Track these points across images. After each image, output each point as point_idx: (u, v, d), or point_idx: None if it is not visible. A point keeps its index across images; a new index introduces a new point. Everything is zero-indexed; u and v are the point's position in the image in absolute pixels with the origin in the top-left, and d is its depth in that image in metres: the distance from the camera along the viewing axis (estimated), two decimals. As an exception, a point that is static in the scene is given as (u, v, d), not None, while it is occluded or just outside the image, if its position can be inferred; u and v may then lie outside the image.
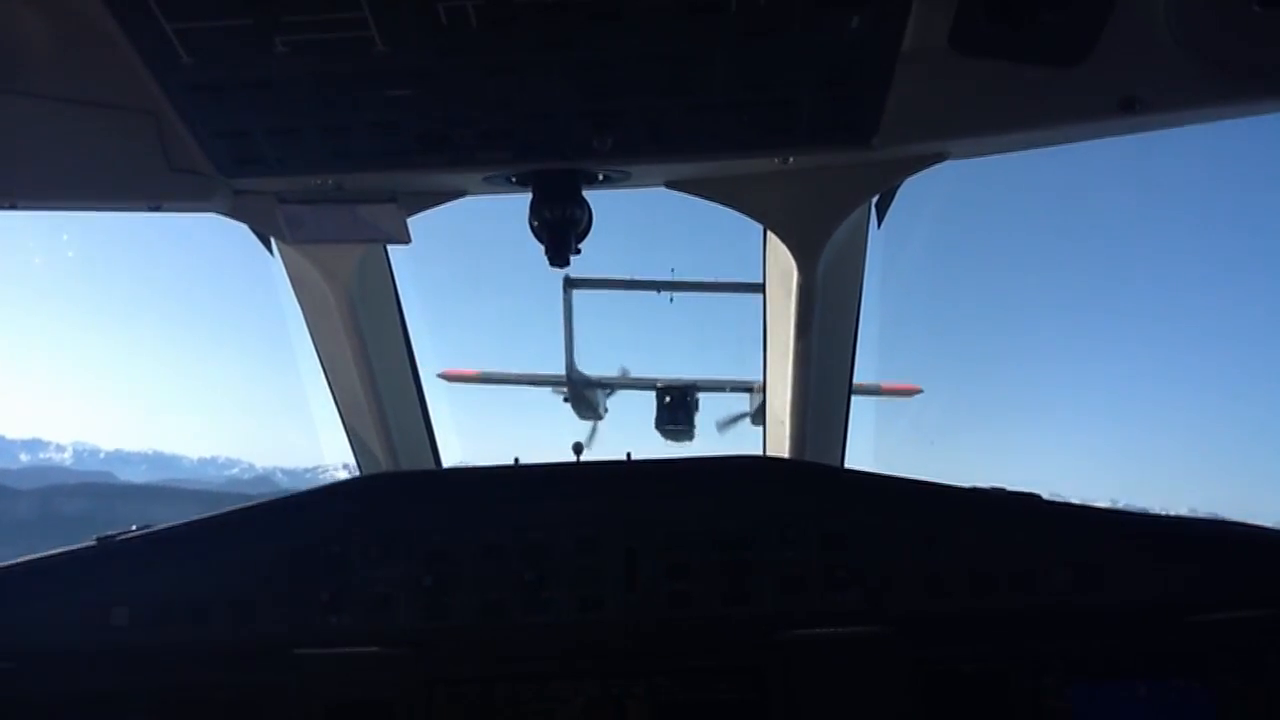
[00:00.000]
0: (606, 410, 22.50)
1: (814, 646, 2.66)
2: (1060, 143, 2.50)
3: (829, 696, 2.61)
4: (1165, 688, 2.60)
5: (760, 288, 3.42)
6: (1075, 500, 2.99)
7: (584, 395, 22.14)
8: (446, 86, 2.08)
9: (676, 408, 21.02)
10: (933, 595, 2.64)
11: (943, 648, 2.66)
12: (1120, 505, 3.03)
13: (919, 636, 2.66)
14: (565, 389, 22.89)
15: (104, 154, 2.37)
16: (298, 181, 2.52)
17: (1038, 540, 2.68)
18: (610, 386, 23.04)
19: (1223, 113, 2.26)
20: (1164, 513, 2.78)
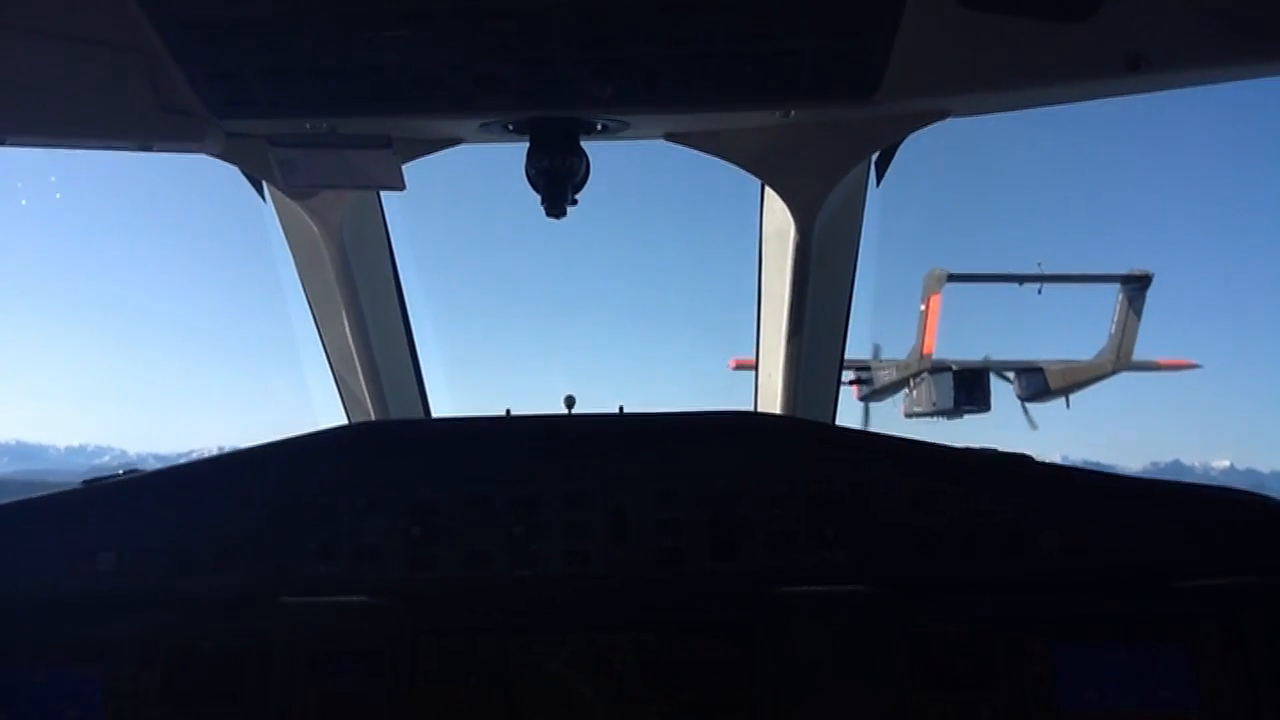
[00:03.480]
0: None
1: (801, 604, 2.67)
2: (1064, 101, 2.47)
3: (815, 654, 2.63)
4: (1146, 650, 2.63)
5: None
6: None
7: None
8: (444, 29, 2.04)
9: (973, 387, 25.20)
10: (920, 555, 2.66)
11: (929, 608, 2.68)
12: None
13: (906, 596, 2.68)
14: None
15: (94, 91, 2.32)
16: (291, 124, 2.48)
17: (1027, 502, 2.69)
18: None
19: (1231, 73, 2.24)
20: (1154, 477, 2.79)
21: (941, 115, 2.51)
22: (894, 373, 28.43)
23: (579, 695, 2.63)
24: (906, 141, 2.73)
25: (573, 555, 2.69)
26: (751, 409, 3.85)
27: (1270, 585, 2.61)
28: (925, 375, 27.18)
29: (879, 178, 2.97)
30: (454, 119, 2.50)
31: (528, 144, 2.58)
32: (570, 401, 3.12)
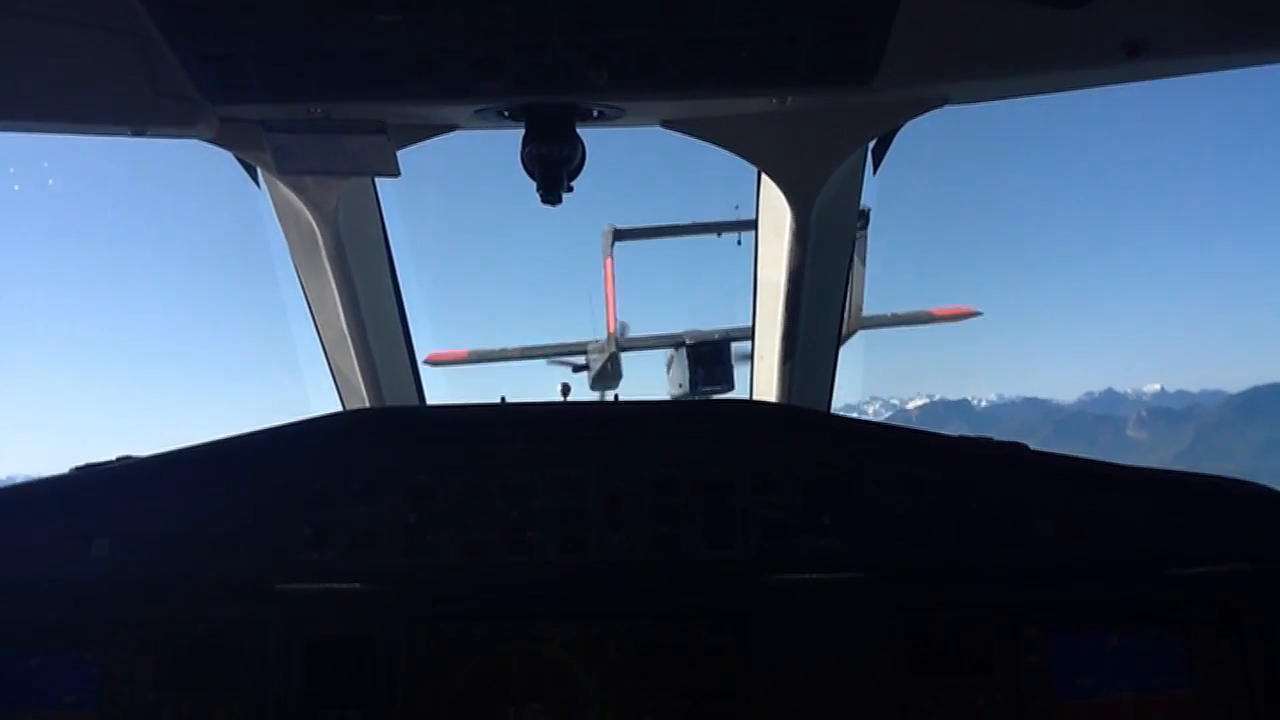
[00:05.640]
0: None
1: (797, 591, 2.68)
2: (1063, 89, 2.47)
3: (810, 641, 2.63)
4: (1141, 637, 2.64)
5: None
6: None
7: (607, 365, 21.06)
8: (439, 12, 2.03)
9: (712, 363, 18.78)
10: (916, 543, 2.66)
11: (924, 595, 2.68)
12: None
13: (901, 584, 2.68)
14: (572, 359, 22.26)
15: (87, 75, 2.31)
16: (285, 109, 2.46)
17: (1022, 490, 2.69)
18: (637, 347, 21.70)
19: (1230, 60, 2.23)
20: (1147, 466, 2.79)
21: (939, 102, 2.50)
22: (597, 356, 22.79)
23: (574, 681, 2.63)
24: (904, 129, 2.72)
25: (568, 542, 2.69)
26: (747, 397, 3.85)
27: (1264, 572, 2.62)
28: (674, 352, 21.46)
29: (876, 165, 2.96)
30: (449, 104, 2.49)
31: (523, 130, 2.56)
32: (565, 389, 3.12)
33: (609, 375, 21.56)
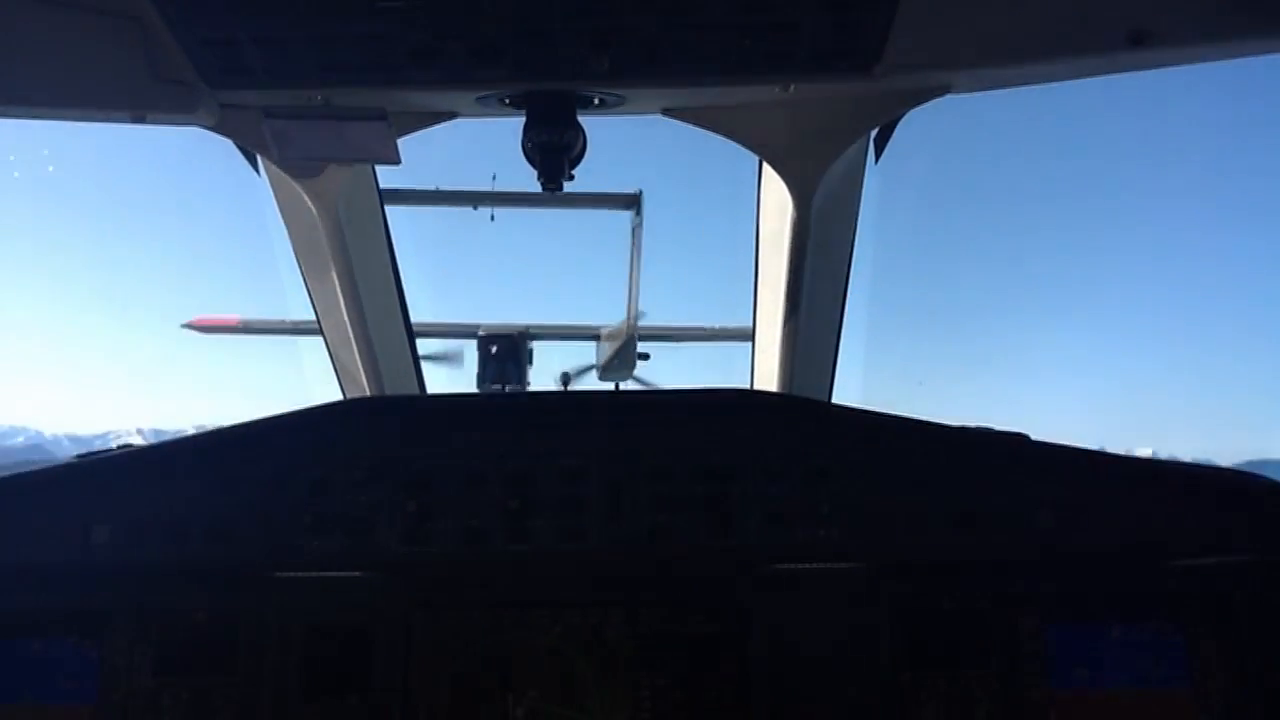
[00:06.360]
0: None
1: (796, 581, 2.68)
2: (1067, 78, 2.45)
3: (809, 631, 2.63)
4: (1139, 629, 2.64)
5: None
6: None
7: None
8: None
9: (504, 359, 16.57)
10: (915, 533, 2.66)
11: (923, 586, 2.69)
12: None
13: (900, 574, 2.68)
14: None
15: (85, 60, 2.29)
16: (286, 96, 2.45)
17: (1023, 480, 2.69)
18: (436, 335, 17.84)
19: (1239, 49, 2.21)
20: (1148, 455, 2.80)
21: (942, 91, 2.49)
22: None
23: (573, 669, 2.64)
24: (906, 119, 2.71)
25: (568, 531, 2.69)
26: (747, 386, 3.85)
27: (1263, 564, 2.62)
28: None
29: (878, 154, 2.95)
30: (450, 91, 2.48)
31: (524, 118, 2.56)
32: (565, 378, 3.11)
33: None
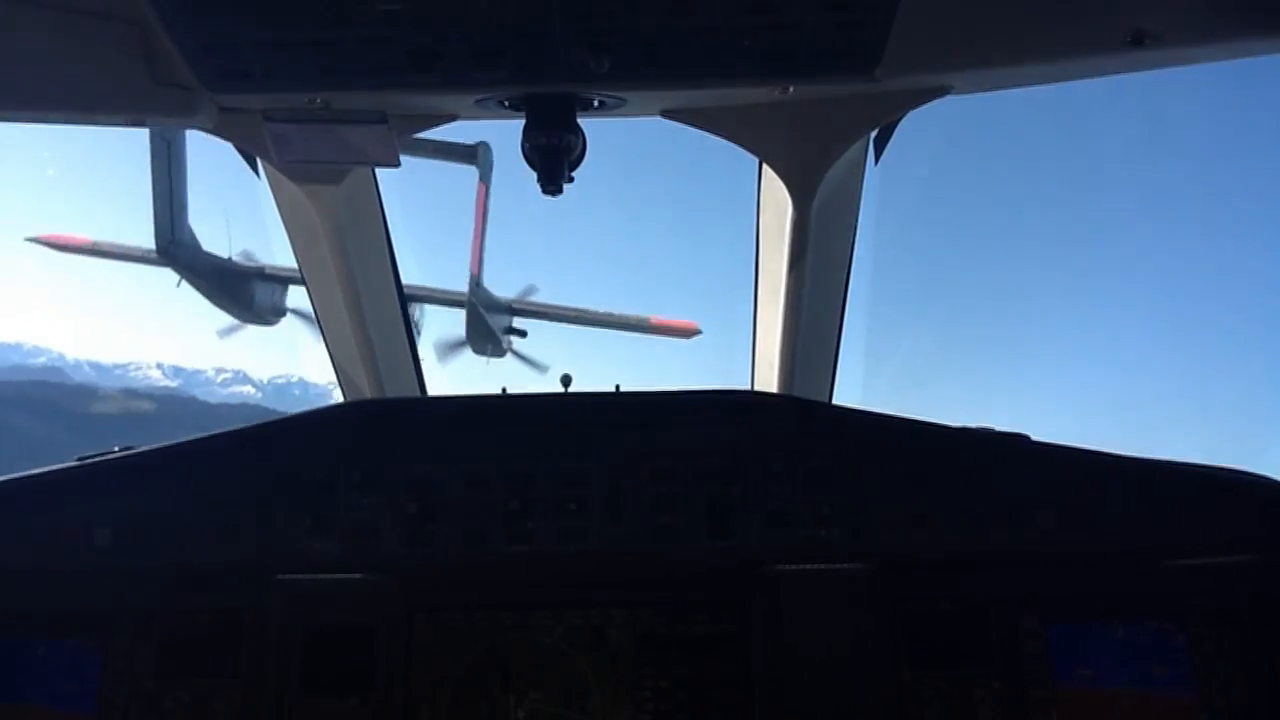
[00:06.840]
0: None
1: (797, 582, 2.68)
2: (1067, 79, 2.45)
3: (810, 631, 2.63)
4: (1141, 629, 2.64)
5: None
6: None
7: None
8: (440, 2, 2.02)
9: None
10: (917, 533, 2.66)
11: (925, 586, 2.69)
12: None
13: (902, 574, 2.68)
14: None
15: (85, 64, 2.29)
16: (285, 99, 2.45)
17: (1023, 481, 2.69)
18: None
19: (1239, 49, 2.21)
20: (1148, 456, 2.79)
21: (942, 92, 2.49)
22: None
23: (574, 670, 2.64)
24: (906, 120, 2.71)
25: (569, 532, 2.69)
26: (747, 387, 3.85)
27: (1266, 564, 2.62)
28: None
29: (878, 155, 2.95)
30: (449, 94, 2.48)
31: (523, 121, 2.56)
32: (566, 380, 3.11)
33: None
